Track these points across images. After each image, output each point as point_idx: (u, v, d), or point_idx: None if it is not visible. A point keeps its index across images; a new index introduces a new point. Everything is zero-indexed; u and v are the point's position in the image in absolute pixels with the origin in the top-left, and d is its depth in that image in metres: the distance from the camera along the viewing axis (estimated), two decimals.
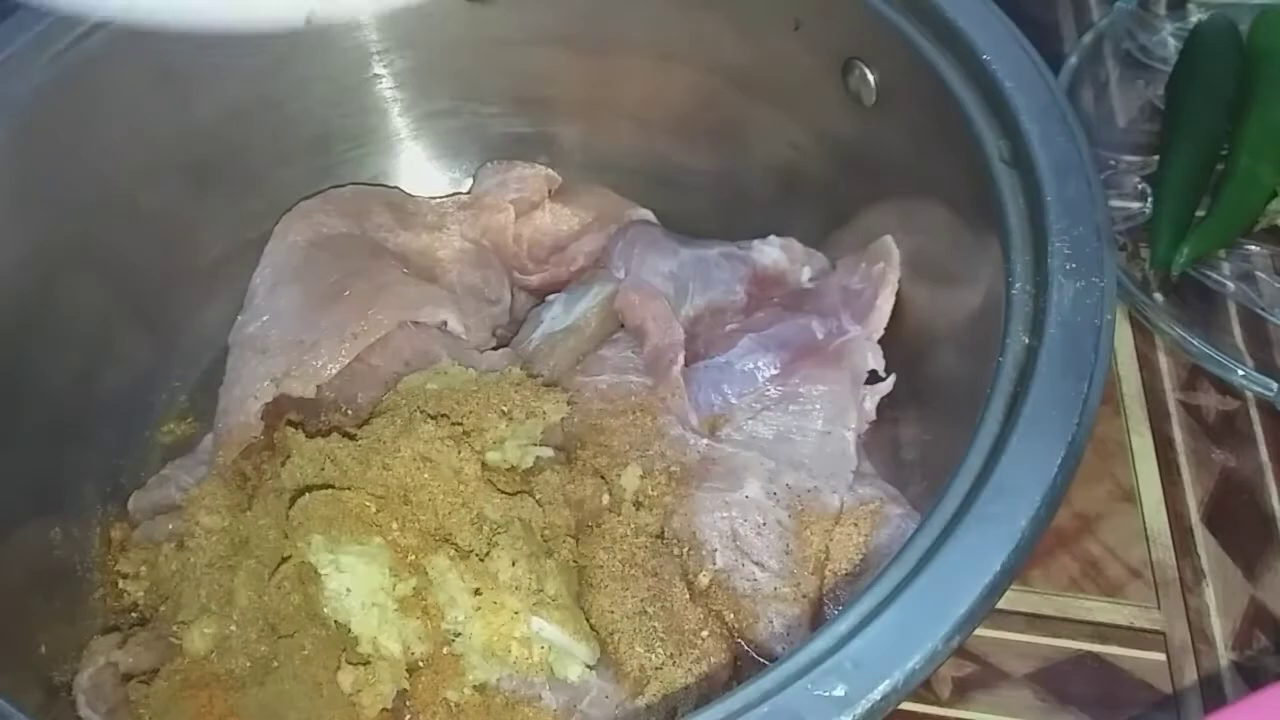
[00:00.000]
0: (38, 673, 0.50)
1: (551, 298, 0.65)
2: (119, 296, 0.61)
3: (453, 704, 0.49)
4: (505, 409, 0.53)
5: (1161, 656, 0.54)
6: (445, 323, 0.63)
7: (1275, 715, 0.41)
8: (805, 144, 0.64)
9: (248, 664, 0.49)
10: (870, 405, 0.58)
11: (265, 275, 0.64)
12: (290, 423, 0.58)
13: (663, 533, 0.54)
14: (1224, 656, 0.54)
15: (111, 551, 0.57)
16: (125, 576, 0.55)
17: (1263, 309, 0.65)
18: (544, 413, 0.54)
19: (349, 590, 0.48)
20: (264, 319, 0.61)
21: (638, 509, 0.54)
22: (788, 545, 0.53)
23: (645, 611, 0.50)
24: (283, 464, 0.53)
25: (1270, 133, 0.66)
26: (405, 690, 0.49)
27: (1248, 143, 0.66)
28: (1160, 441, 0.61)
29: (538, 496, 0.52)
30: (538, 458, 0.54)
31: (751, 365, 0.59)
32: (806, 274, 0.63)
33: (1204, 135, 0.68)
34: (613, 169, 0.72)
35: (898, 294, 0.59)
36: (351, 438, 0.53)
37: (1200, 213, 0.67)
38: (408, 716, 0.49)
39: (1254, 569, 0.57)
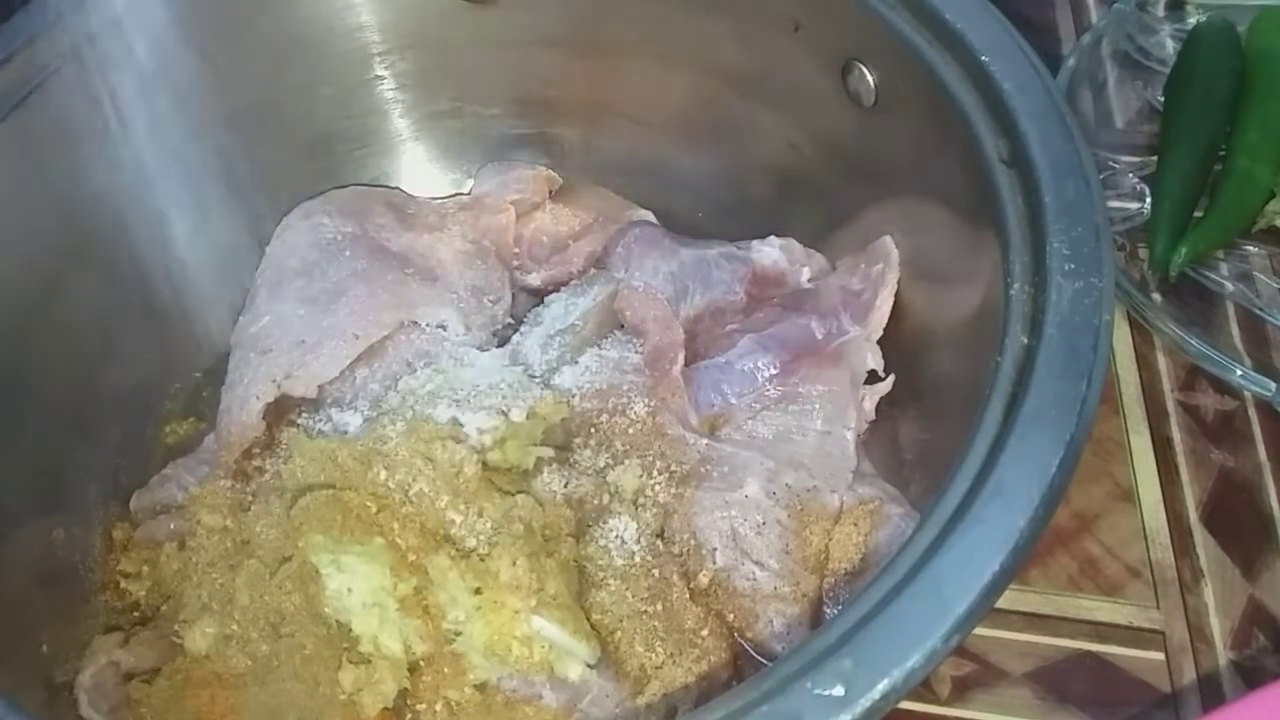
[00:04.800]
0: (40, 672, 0.50)
1: (551, 298, 0.65)
2: (121, 297, 0.61)
3: (453, 703, 0.49)
4: (505, 409, 0.54)
5: (1160, 656, 0.54)
6: (446, 323, 0.63)
7: (1274, 714, 0.42)
8: (805, 144, 0.64)
9: (249, 663, 0.49)
10: (870, 405, 0.58)
11: (267, 276, 0.64)
12: (292, 423, 0.58)
13: (663, 532, 0.54)
14: (1223, 656, 0.54)
15: (113, 551, 0.57)
16: (127, 576, 0.56)
17: (1261, 309, 0.65)
18: (544, 413, 0.54)
19: (350, 590, 0.48)
20: (265, 319, 0.61)
21: (638, 509, 0.54)
22: (787, 545, 0.53)
23: (645, 611, 0.50)
24: (284, 464, 0.53)
25: (1268, 133, 0.67)
26: (406, 689, 0.49)
27: (1246, 143, 0.67)
28: (1159, 441, 0.61)
29: (538, 496, 0.52)
30: (538, 458, 0.54)
31: (751, 365, 0.59)
32: (806, 274, 0.63)
33: (1202, 136, 0.68)
34: (613, 169, 0.72)
35: (897, 294, 0.59)
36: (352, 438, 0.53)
37: (1198, 213, 0.67)
38: (409, 716, 0.49)
39: (1253, 568, 0.57)
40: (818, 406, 0.57)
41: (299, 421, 0.58)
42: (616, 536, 0.52)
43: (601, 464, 0.55)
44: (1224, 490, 0.60)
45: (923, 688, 0.53)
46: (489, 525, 0.49)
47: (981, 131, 0.49)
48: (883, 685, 0.35)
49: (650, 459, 0.55)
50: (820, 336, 0.59)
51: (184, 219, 0.64)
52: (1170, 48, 0.75)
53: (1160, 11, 0.77)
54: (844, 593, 0.52)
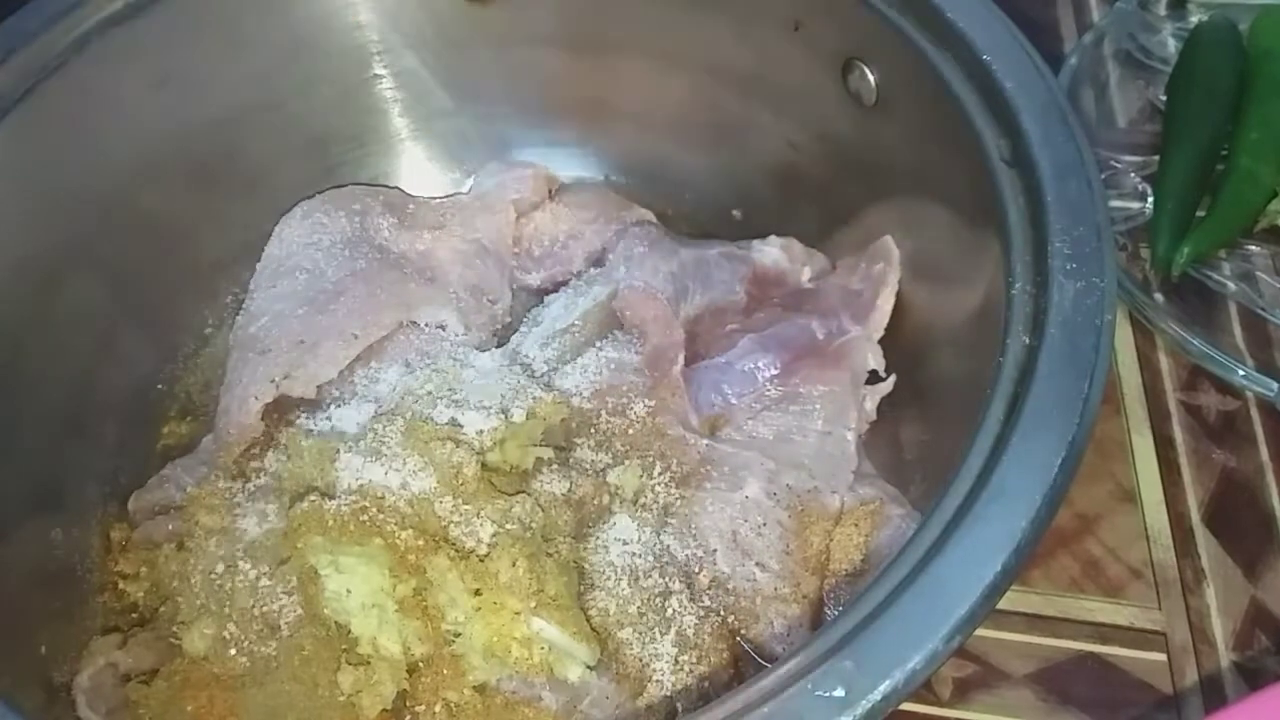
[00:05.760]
0: (38, 673, 0.50)
1: (551, 298, 0.65)
2: (119, 297, 0.61)
3: (453, 705, 0.48)
4: (505, 409, 0.53)
5: (1162, 657, 0.54)
6: (445, 323, 0.63)
7: (1276, 716, 0.41)
8: (805, 144, 0.64)
9: (247, 664, 0.49)
10: (870, 405, 0.58)
11: (265, 276, 0.64)
12: (291, 423, 0.58)
13: (663, 533, 0.54)
14: (1225, 657, 0.54)
15: (112, 552, 0.57)
16: (125, 577, 0.55)
17: (1263, 309, 0.65)
18: (543, 413, 0.54)
19: (349, 591, 0.48)
20: (264, 319, 0.61)
21: (638, 509, 0.54)
22: (788, 545, 0.53)
23: (645, 612, 0.50)
24: (283, 465, 0.53)
25: (1270, 133, 0.67)
26: (405, 691, 0.49)
27: (1248, 143, 0.67)
28: (1161, 441, 0.61)
29: (538, 497, 0.52)
30: (537, 458, 0.54)
31: (751, 365, 0.59)
32: (806, 274, 0.63)
33: (1204, 135, 0.68)
34: (613, 169, 0.72)
35: (898, 294, 0.59)
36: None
37: (1200, 213, 0.67)
38: (408, 717, 0.49)
39: (1255, 569, 0.57)
40: (818, 407, 0.57)
41: (298, 422, 0.58)
42: (616, 537, 0.52)
43: (601, 465, 0.55)
44: (1226, 491, 0.59)
45: (924, 689, 0.53)
46: (488, 526, 0.49)
47: (983, 131, 0.49)
48: (884, 686, 0.35)
49: (650, 459, 0.55)
50: (821, 336, 0.59)
51: (182, 218, 0.64)
52: (1172, 47, 0.75)
53: (1162, 10, 0.77)
54: (845, 593, 0.52)
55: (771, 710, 0.35)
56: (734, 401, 0.58)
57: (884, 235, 0.60)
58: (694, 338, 0.61)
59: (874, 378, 0.58)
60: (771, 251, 0.63)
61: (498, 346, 0.63)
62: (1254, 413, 0.62)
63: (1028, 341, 0.43)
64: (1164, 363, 0.65)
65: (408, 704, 0.49)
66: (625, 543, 0.52)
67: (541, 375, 0.59)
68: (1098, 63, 0.75)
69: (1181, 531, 0.58)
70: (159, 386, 0.65)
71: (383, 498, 0.49)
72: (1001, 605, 0.38)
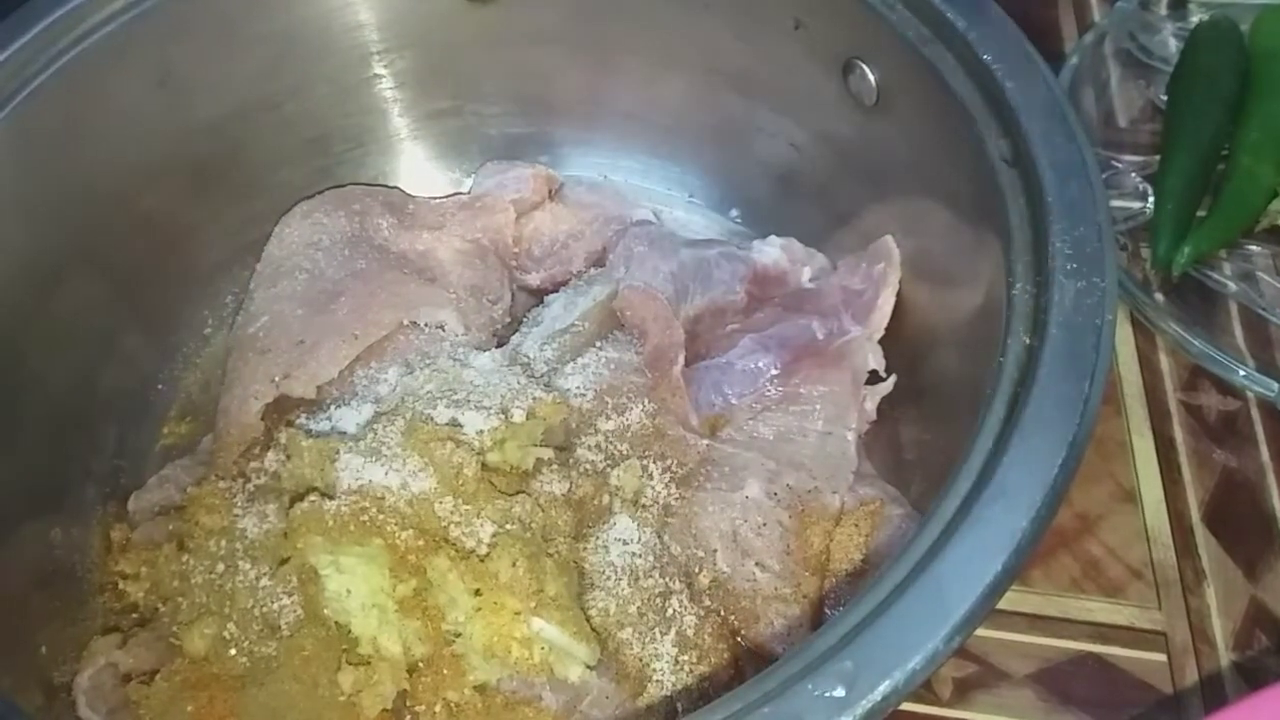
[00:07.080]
0: (38, 673, 0.50)
1: (551, 298, 0.65)
2: (119, 297, 0.61)
3: (453, 704, 0.49)
4: (505, 410, 0.53)
5: (1162, 657, 0.54)
6: (445, 323, 0.63)
7: (1276, 716, 0.41)
8: (805, 144, 0.64)
9: (248, 664, 0.49)
10: (871, 406, 0.58)
11: (265, 275, 0.64)
12: (290, 423, 0.58)
13: (663, 533, 0.54)
14: (1225, 657, 0.54)
15: (112, 552, 0.57)
16: (125, 577, 0.55)
17: (1264, 309, 0.65)
18: (544, 413, 0.54)
19: (349, 591, 0.48)
20: (264, 319, 0.61)
21: (638, 509, 0.54)
22: (788, 546, 0.53)
23: (646, 612, 0.50)
24: (283, 465, 0.53)
25: (1271, 133, 0.66)
26: (405, 691, 0.49)
27: (1248, 142, 0.67)
28: (1161, 442, 0.61)
29: (538, 497, 0.52)
30: (537, 459, 0.54)
31: (752, 365, 0.59)
32: (807, 274, 0.63)
33: (1205, 135, 0.68)
34: (613, 169, 0.72)
35: (898, 294, 0.59)
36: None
37: (1201, 213, 0.67)
38: (408, 717, 0.49)
39: (1255, 569, 0.57)
40: (819, 407, 0.57)
41: (298, 422, 0.58)
42: (616, 537, 0.52)
43: (602, 465, 0.55)
44: (1226, 491, 0.59)
45: (924, 689, 0.53)
46: (488, 526, 0.49)
47: (984, 131, 0.49)
48: (884, 686, 0.35)
49: (651, 460, 0.55)
50: (821, 336, 0.59)
51: (182, 218, 0.64)
52: (1173, 46, 0.75)
53: (1163, 10, 0.77)
54: (845, 594, 0.52)
55: (771, 710, 0.35)
56: (734, 402, 0.58)
57: (884, 235, 0.60)
58: (694, 338, 0.61)
59: (874, 378, 0.58)
60: (771, 251, 0.63)
61: (498, 346, 0.63)
62: (1254, 413, 0.62)
63: (1028, 341, 0.43)
64: (1165, 363, 0.64)
65: (408, 704, 0.49)
66: (625, 543, 0.52)
67: (541, 375, 0.59)
68: (1098, 62, 0.75)
69: (1182, 532, 0.58)
70: (159, 387, 0.65)
71: (383, 498, 0.49)
72: (1002, 605, 0.38)
